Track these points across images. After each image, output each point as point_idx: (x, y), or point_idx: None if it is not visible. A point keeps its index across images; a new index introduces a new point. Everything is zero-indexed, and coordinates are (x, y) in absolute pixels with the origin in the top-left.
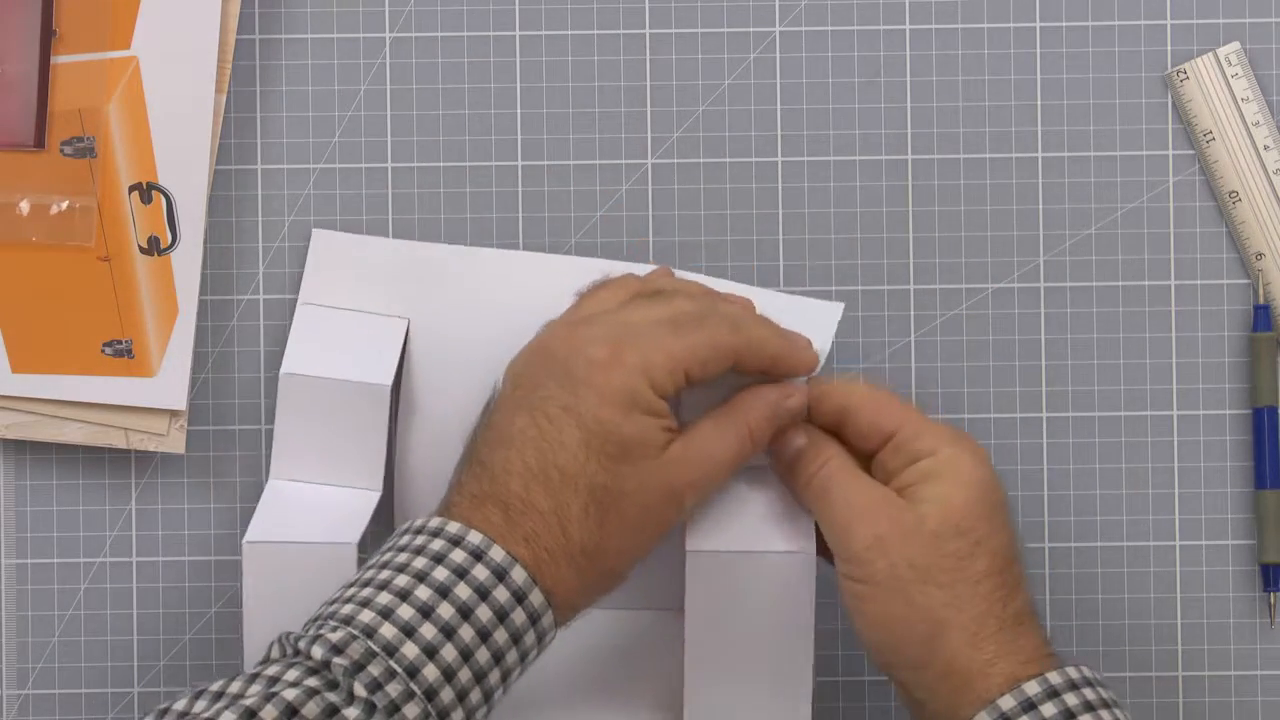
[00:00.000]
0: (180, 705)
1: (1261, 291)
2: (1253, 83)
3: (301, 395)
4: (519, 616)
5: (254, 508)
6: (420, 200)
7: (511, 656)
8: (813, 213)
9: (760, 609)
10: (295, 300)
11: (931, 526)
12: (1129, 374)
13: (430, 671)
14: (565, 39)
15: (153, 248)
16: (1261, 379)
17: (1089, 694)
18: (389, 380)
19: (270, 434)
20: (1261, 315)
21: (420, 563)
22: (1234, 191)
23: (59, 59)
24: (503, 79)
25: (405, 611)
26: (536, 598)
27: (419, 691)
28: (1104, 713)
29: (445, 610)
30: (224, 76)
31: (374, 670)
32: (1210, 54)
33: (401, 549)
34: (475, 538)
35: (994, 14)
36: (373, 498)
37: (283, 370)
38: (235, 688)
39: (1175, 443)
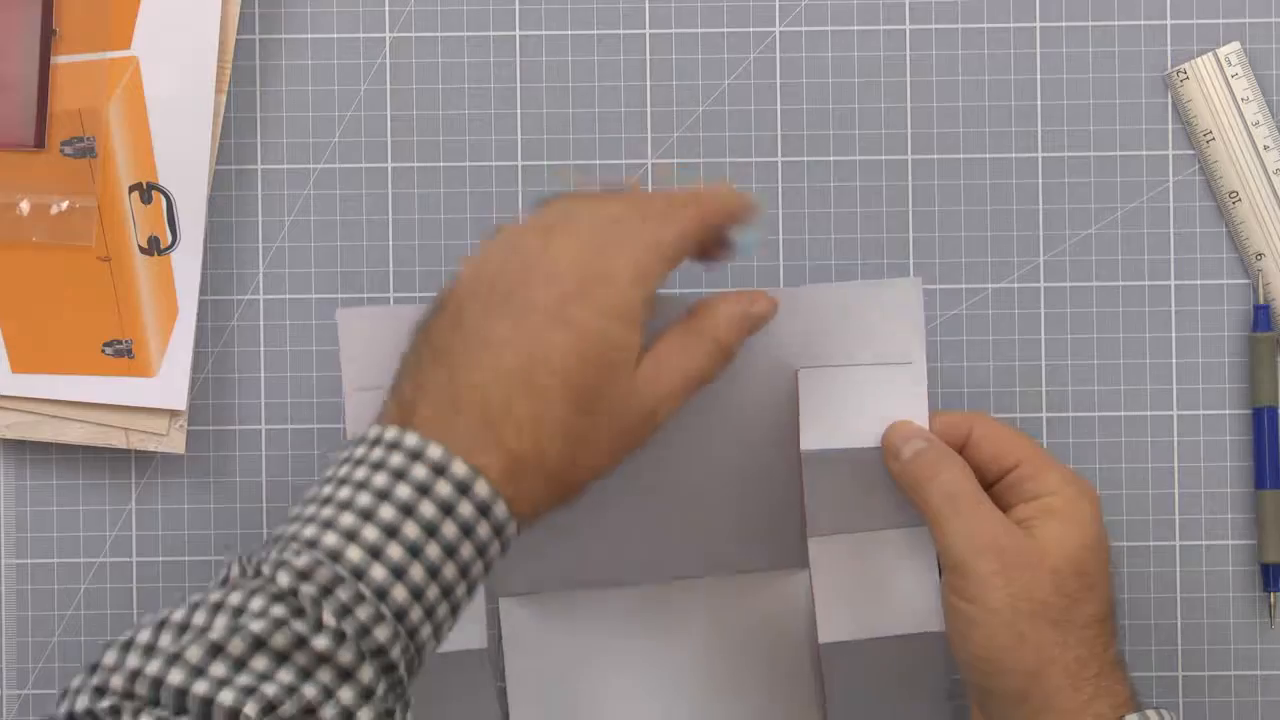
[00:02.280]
0: (144, 637)
1: (1261, 291)
2: (1253, 83)
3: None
4: (483, 529)
5: (254, 508)
6: (420, 200)
7: (477, 568)
8: (813, 213)
9: (892, 679)
10: (295, 300)
11: (1051, 563)
12: (1129, 374)
13: (399, 592)
14: (565, 39)
15: (153, 248)
16: (1261, 379)
17: None
18: None
19: (270, 434)
20: (1261, 315)
21: (381, 479)
22: (1234, 191)
23: (59, 59)
24: (503, 79)
25: (370, 533)
26: (500, 509)
27: (389, 613)
28: None
29: (411, 529)
30: (224, 76)
31: (342, 595)
32: (1210, 54)
33: (359, 462)
34: (435, 451)
35: (994, 14)
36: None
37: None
38: (199, 619)
39: (1175, 443)
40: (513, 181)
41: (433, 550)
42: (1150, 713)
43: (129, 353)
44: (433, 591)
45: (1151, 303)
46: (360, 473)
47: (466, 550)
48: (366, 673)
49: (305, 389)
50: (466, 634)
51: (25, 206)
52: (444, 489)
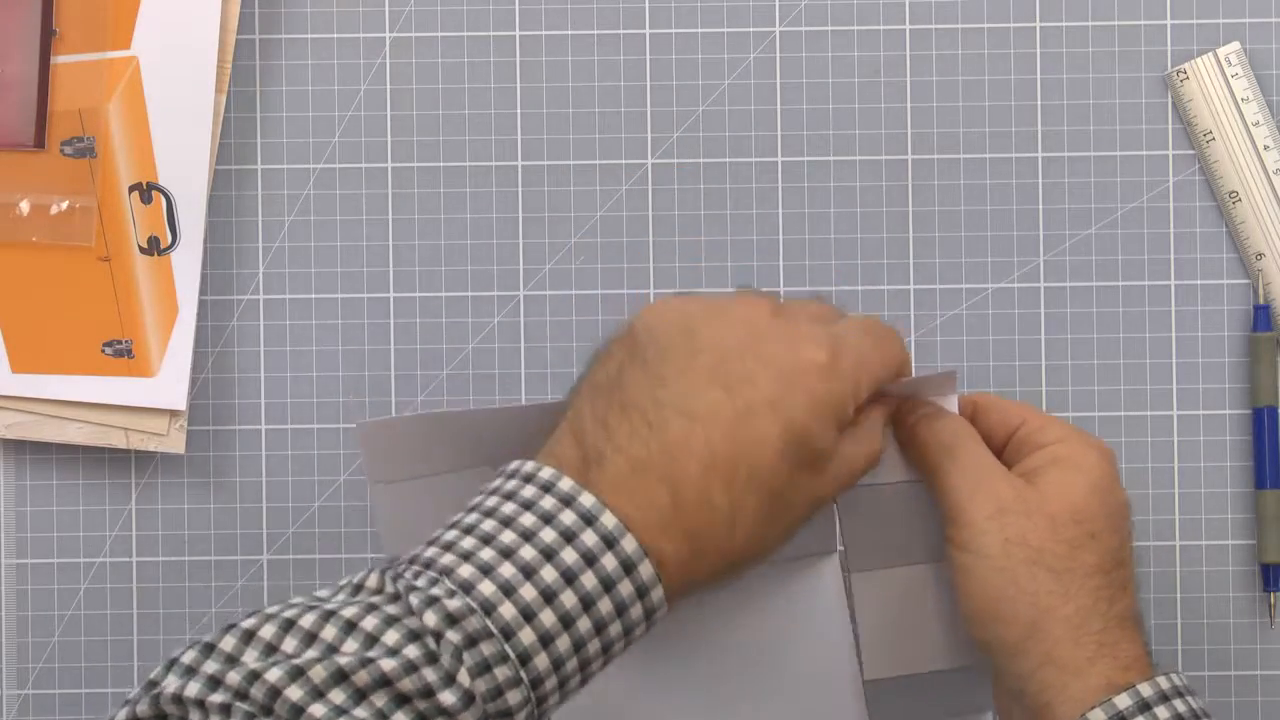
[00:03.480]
0: (268, 632)
1: (1261, 291)
2: (1253, 83)
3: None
4: (636, 611)
5: (254, 508)
6: (420, 200)
7: (618, 648)
8: (813, 213)
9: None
10: (294, 300)
11: (1051, 509)
12: (1129, 374)
13: (542, 660)
14: (565, 39)
15: (153, 248)
16: (1261, 379)
17: (1180, 706)
18: None
19: (270, 434)
20: (1261, 315)
21: (549, 536)
22: (1234, 191)
23: (59, 59)
24: (503, 79)
25: (528, 593)
26: (658, 595)
27: (526, 679)
28: None
29: (568, 599)
30: (224, 76)
31: (485, 650)
32: (1210, 54)
33: (527, 505)
34: (609, 521)
35: (994, 14)
36: None
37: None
38: (329, 633)
39: (1175, 443)
40: (513, 181)
41: (584, 624)
42: (1162, 679)
43: (129, 353)
44: (571, 664)
45: (1151, 303)
46: (529, 520)
47: (615, 630)
48: None
49: (305, 389)
50: None
51: (25, 206)
52: (610, 563)
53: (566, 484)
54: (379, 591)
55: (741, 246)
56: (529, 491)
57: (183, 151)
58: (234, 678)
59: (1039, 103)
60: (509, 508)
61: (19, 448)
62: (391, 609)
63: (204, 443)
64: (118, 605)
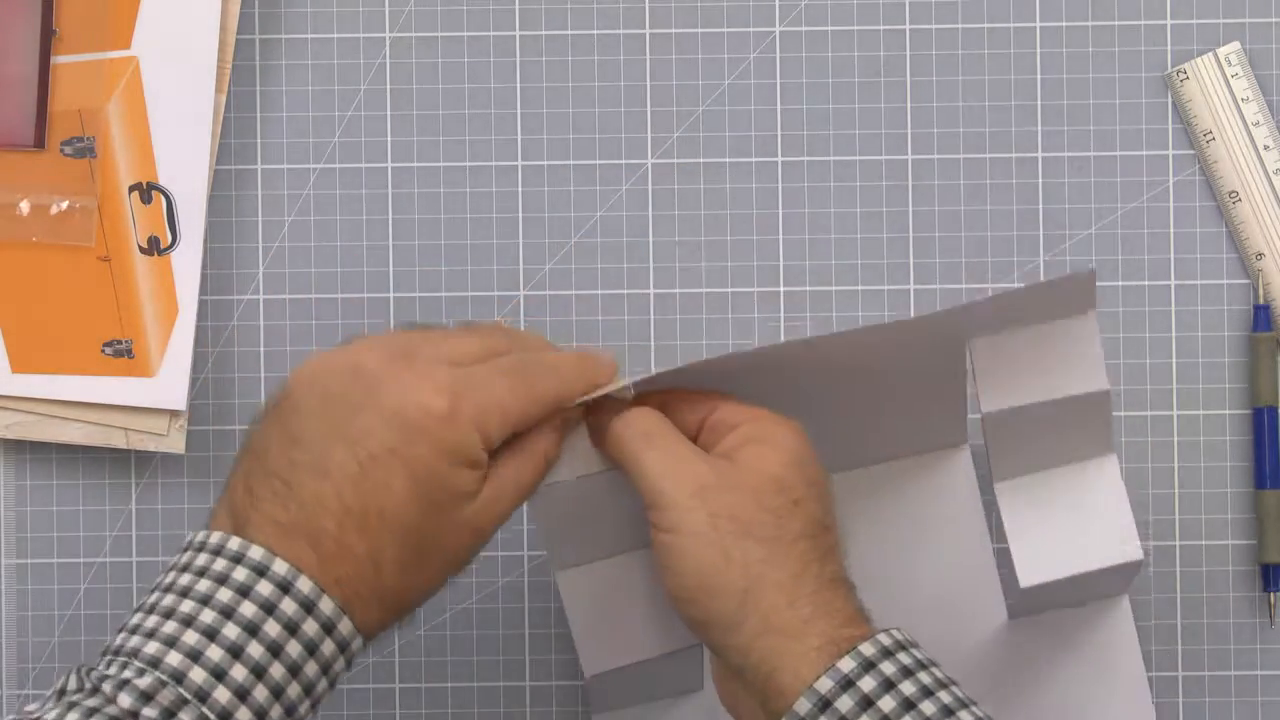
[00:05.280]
0: None
1: (1261, 291)
2: (1253, 83)
3: (558, 503)
4: (328, 648)
5: None
6: (420, 200)
7: (321, 687)
8: (813, 213)
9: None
10: (294, 300)
11: (753, 482)
12: (1129, 374)
13: (243, 714)
14: (565, 39)
15: (153, 248)
16: (1261, 379)
17: (904, 659)
18: None
19: None
20: (1261, 315)
21: (226, 596)
22: (1234, 191)
23: (59, 59)
24: (503, 79)
25: (215, 653)
26: (345, 626)
27: None
28: (922, 675)
29: (255, 650)
30: (224, 76)
31: (185, 718)
32: (1210, 54)
33: (201, 573)
34: (281, 568)
35: (994, 14)
36: None
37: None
38: None
39: (1175, 443)
40: (513, 181)
41: (277, 670)
42: (883, 635)
43: (129, 353)
44: (276, 712)
45: (1151, 303)
46: (203, 586)
47: (312, 670)
48: None
49: None
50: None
51: (25, 206)
52: (290, 608)
53: (234, 544)
54: (79, 690)
55: (741, 246)
56: (202, 559)
57: (183, 151)
58: None
59: (1039, 103)
60: (185, 579)
61: (19, 448)
62: (90, 702)
63: (204, 443)
64: (118, 605)
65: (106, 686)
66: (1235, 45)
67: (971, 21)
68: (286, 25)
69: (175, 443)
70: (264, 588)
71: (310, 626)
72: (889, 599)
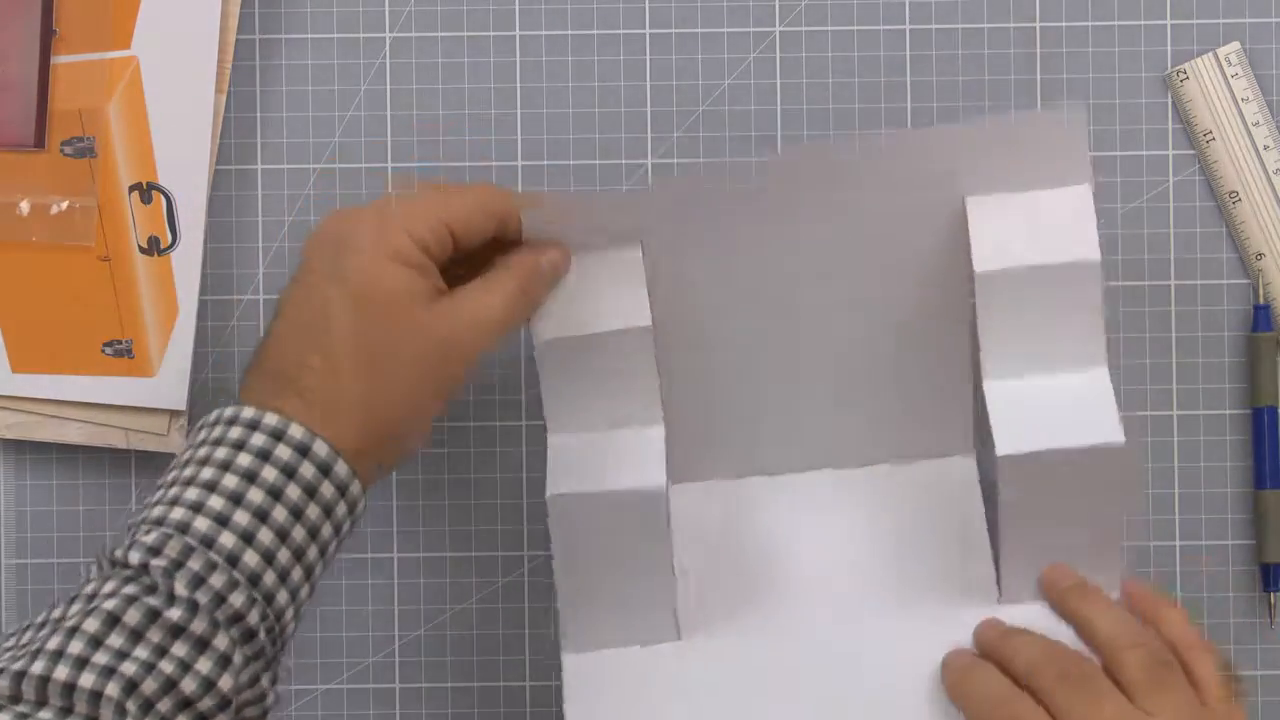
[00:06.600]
0: (9, 643)
1: (1261, 291)
2: (1253, 83)
3: (563, 359)
4: (327, 489)
5: None
6: None
7: (326, 530)
8: None
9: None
10: None
11: None
12: (1129, 374)
13: (251, 557)
14: (565, 39)
15: (153, 248)
16: (1261, 379)
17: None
18: (648, 319)
19: None
20: (1261, 315)
21: (222, 452)
22: (1234, 191)
23: (59, 59)
24: (503, 79)
25: (216, 502)
26: (341, 468)
27: (243, 579)
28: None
29: (256, 495)
30: (224, 76)
31: (194, 565)
32: (1210, 54)
33: (201, 443)
34: (272, 419)
35: (994, 14)
36: (659, 433)
37: (538, 339)
38: (56, 613)
39: (1175, 443)
40: (513, 181)
41: (279, 513)
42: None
43: (129, 353)
44: (284, 555)
45: (1151, 303)
46: (203, 451)
47: (313, 511)
48: (223, 640)
49: None
50: (643, 473)
51: (25, 206)
52: (284, 453)
53: (229, 410)
54: (99, 569)
55: None
56: (203, 433)
57: (183, 151)
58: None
59: (1039, 103)
60: (187, 454)
61: (19, 448)
62: (108, 572)
63: None
64: None
65: (118, 553)
66: (1235, 45)
67: (971, 21)
68: (286, 25)
69: (175, 443)
70: (258, 439)
71: (307, 469)
72: (888, 599)
